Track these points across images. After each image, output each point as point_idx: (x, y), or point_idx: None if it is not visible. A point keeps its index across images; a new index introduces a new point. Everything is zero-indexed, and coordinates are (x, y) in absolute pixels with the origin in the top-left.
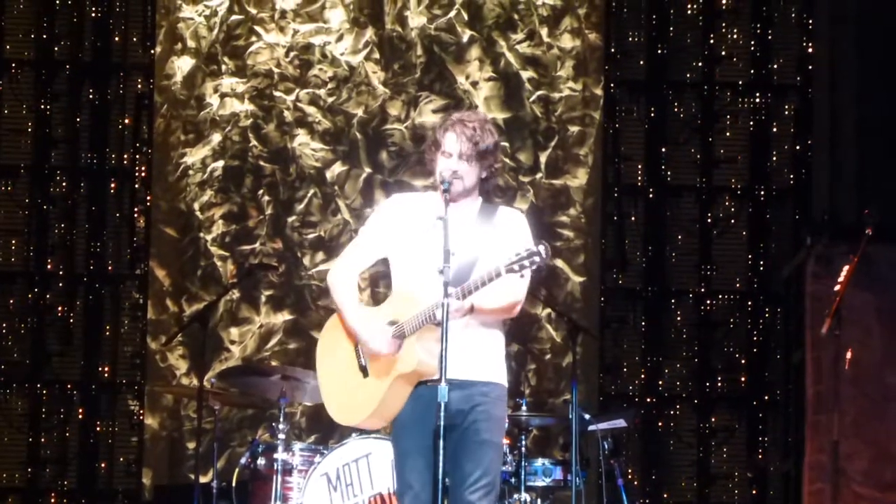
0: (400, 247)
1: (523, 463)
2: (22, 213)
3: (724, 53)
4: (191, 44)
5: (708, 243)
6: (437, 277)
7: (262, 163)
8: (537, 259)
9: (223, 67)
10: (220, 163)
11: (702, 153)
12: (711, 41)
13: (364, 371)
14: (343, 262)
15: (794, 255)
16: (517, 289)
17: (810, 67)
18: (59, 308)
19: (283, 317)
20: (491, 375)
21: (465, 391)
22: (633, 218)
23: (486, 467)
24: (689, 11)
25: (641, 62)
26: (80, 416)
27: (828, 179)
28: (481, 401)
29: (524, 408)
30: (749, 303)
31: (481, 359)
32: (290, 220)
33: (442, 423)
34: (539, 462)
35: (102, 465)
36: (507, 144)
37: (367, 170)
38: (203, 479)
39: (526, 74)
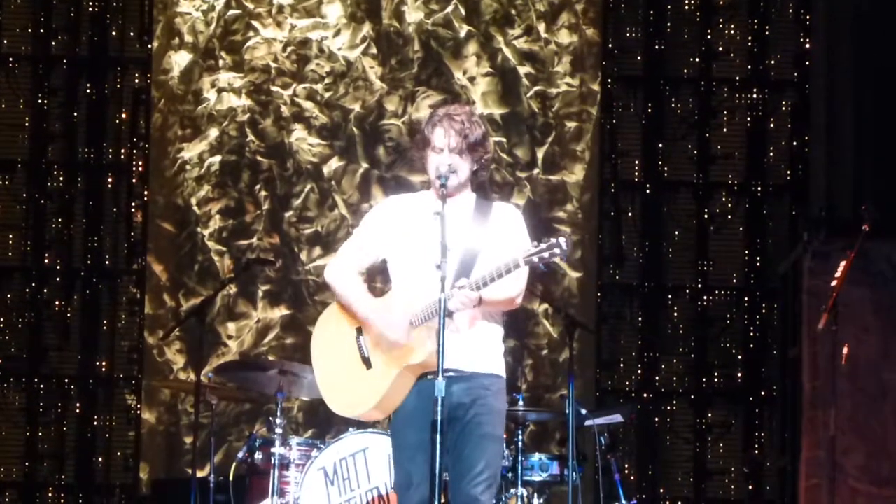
0: (397, 247)
1: (520, 458)
2: (19, 208)
3: (721, 49)
4: (188, 39)
5: (705, 239)
6: (436, 273)
7: (259, 158)
8: (557, 251)
9: (220, 62)
10: (218, 158)
11: (699, 149)
12: (709, 37)
13: (367, 363)
14: (341, 261)
15: (790, 250)
16: (519, 282)
17: (807, 63)
18: (57, 303)
19: (281, 312)
20: (493, 368)
21: (467, 384)
22: (629, 214)
23: (488, 461)
24: (686, 7)
25: (639, 58)
26: (78, 411)
27: (825, 175)
28: (483, 394)
29: (521, 403)
30: (746, 298)
31: (485, 352)
32: (287, 215)
33: (440, 417)
34: (536, 457)
35: (100, 459)
36: (504, 140)
37: (365, 165)
38: (200, 474)
39: (523, 70)
